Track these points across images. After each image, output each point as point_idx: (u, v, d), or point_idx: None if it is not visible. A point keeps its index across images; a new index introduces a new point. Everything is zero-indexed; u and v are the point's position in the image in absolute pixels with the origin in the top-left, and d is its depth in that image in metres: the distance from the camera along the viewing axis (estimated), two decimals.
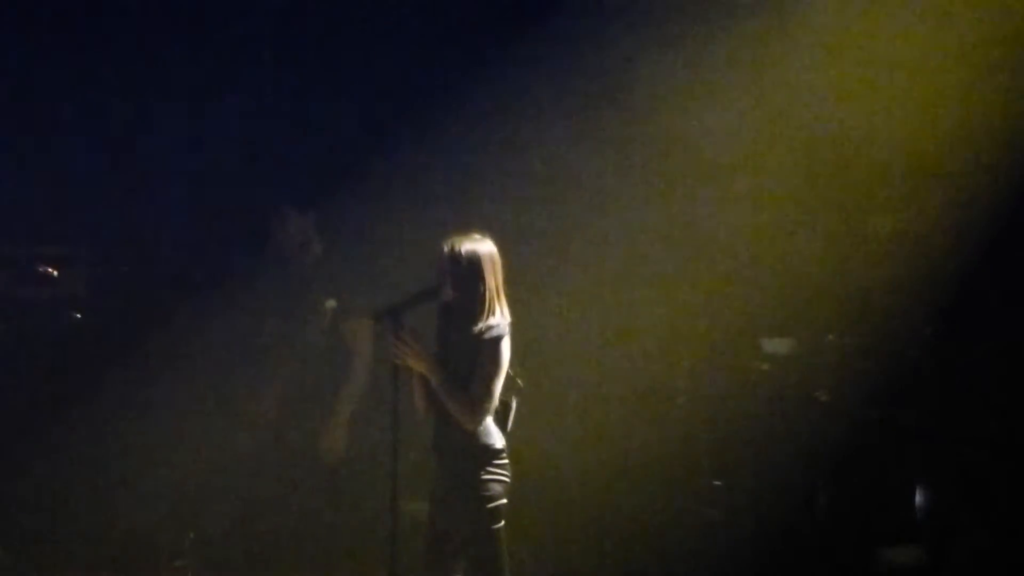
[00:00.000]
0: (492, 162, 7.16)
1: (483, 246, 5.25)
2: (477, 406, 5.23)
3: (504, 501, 5.21)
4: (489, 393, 5.23)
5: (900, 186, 6.51)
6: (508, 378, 5.28)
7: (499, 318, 5.18)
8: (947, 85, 6.30)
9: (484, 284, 5.20)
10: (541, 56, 7.00)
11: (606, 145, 6.87)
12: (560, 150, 7.18)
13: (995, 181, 6.15)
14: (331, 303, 6.68)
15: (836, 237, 6.74)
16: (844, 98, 6.51)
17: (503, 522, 5.18)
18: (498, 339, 5.14)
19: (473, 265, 5.18)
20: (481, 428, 5.27)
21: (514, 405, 5.33)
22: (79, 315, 7.83)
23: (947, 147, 6.32)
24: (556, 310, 7.13)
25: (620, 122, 6.86)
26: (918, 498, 6.55)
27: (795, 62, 6.59)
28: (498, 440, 5.22)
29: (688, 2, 6.70)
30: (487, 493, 5.20)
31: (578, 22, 7.07)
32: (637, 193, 6.97)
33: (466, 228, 5.27)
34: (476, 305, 5.19)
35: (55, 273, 7.73)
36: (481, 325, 5.14)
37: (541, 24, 7.02)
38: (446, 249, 5.20)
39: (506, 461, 5.27)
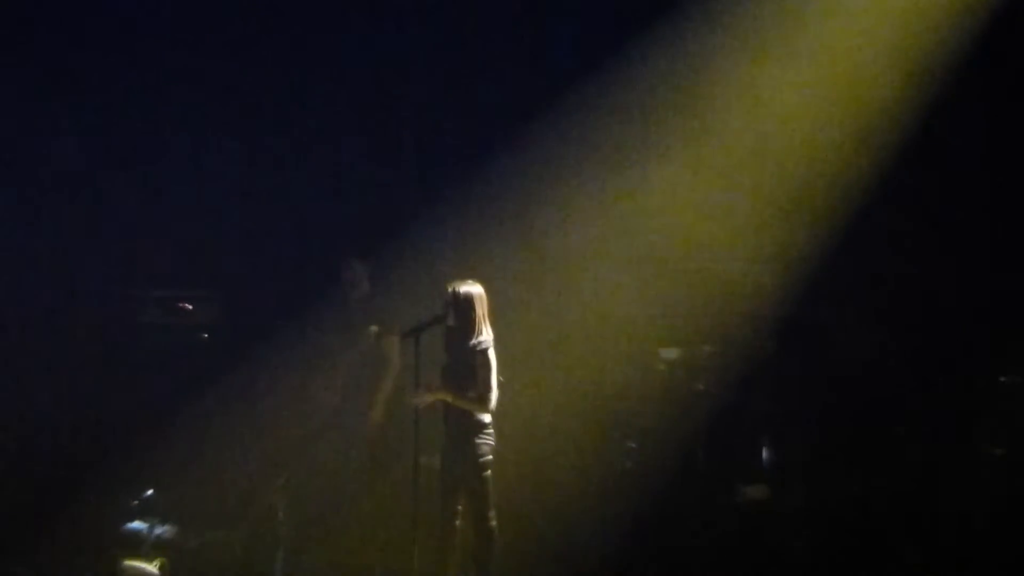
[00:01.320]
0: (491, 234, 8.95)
1: (475, 288, 6.93)
2: (485, 399, 6.82)
3: (491, 457, 6.84)
4: (489, 387, 6.81)
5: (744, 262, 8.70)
6: (493, 375, 6.85)
7: (485, 336, 6.88)
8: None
9: (475, 313, 6.87)
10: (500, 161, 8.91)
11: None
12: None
13: (801, 253, 8.30)
14: (374, 327, 8.35)
15: (707, 288, 8.74)
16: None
17: (490, 470, 6.82)
18: (486, 350, 6.83)
19: (468, 300, 6.88)
20: (478, 409, 6.77)
21: (497, 394, 6.90)
22: (206, 335, 9.57)
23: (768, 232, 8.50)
24: (529, 337, 8.75)
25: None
26: (763, 454, 8.34)
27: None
28: (486, 417, 6.84)
29: (573, 155, 8.81)
30: (479, 452, 6.81)
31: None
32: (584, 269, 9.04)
33: (463, 276, 7.04)
34: (470, 327, 6.87)
35: (191, 307, 9.45)
36: (474, 341, 6.84)
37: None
38: (450, 290, 6.94)
39: (492, 431, 6.87)
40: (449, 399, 6.88)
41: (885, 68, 8.03)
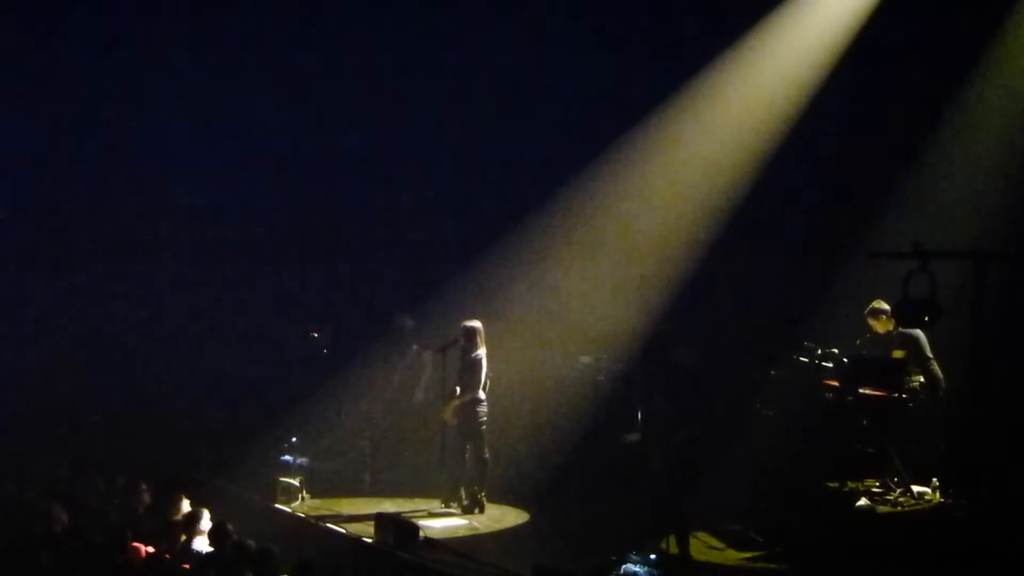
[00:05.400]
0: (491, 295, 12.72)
1: (476, 324, 10.89)
2: (478, 388, 10.59)
3: (485, 419, 10.65)
4: (480, 380, 10.60)
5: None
6: (485, 373, 10.73)
7: (481, 351, 10.74)
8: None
9: (476, 338, 10.83)
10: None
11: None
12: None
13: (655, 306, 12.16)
14: (415, 347, 12.26)
15: (604, 328, 12.39)
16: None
17: (485, 426, 10.60)
18: (480, 359, 10.74)
19: (472, 331, 10.90)
20: (477, 392, 10.69)
21: (488, 383, 10.84)
22: (325, 351, 13.73)
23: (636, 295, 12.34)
24: (508, 351, 11.95)
25: None
26: (637, 417, 11.52)
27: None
28: (481, 395, 10.78)
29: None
30: (478, 416, 10.74)
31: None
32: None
33: (470, 317, 11.02)
34: (472, 346, 10.82)
35: (316, 335, 13.51)
36: (473, 354, 10.78)
37: None
38: (462, 324, 10.92)
39: (485, 405, 10.70)
40: (458, 399, 10.52)
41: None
